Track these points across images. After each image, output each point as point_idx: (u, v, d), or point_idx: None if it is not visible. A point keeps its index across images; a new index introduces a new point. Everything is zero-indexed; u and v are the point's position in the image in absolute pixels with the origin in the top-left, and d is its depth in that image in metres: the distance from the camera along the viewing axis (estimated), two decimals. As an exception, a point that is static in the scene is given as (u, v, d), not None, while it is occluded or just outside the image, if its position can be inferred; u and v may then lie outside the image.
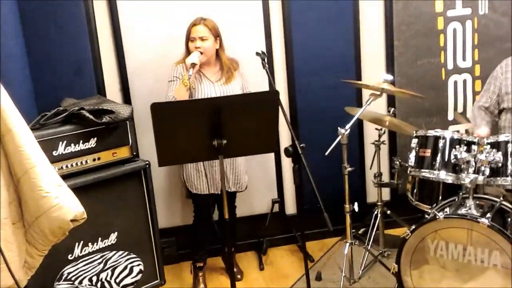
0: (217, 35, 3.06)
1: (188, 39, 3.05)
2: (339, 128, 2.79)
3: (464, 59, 3.76)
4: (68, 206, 1.82)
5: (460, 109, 3.83)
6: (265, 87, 3.44)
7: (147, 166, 3.01)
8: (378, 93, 2.84)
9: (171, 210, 3.63)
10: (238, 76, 3.16)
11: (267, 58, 2.96)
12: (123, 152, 2.94)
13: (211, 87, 3.08)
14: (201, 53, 2.98)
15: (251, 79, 3.33)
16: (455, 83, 3.80)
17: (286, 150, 2.54)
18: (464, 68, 3.77)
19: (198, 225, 3.32)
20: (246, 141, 2.36)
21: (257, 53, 2.86)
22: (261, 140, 2.38)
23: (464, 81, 3.80)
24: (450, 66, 3.76)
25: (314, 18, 3.53)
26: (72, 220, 1.84)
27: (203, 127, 2.25)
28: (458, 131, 3.73)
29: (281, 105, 2.44)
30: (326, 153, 2.73)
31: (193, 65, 2.88)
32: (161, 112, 2.19)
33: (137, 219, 3.04)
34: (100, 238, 2.86)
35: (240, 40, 3.45)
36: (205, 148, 2.28)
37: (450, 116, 3.83)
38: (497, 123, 3.30)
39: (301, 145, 2.52)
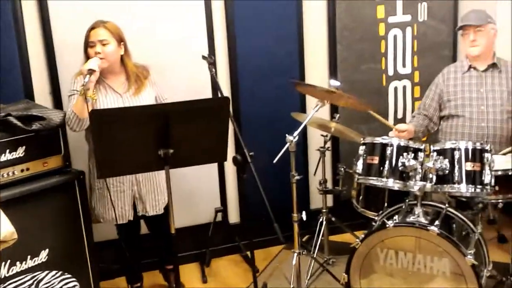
0: (120, 40, 2.76)
1: (87, 44, 2.71)
2: (287, 135, 2.70)
3: (404, 65, 3.81)
4: (-5, 227, 1.61)
5: (400, 115, 3.89)
6: (207, 93, 3.32)
7: (81, 176, 2.80)
8: (326, 102, 2.80)
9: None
10: (150, 85, 2.86)
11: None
12: (54, 162, 2.73)
13: (118, 100, 2.77)
14: (102, 59, 2.66)
15: (191, 84, 3.21)
16: (395, 89, 3.85)
17: (234, 158, 2.43)
18: (404, 74, 3.83)
19: (122, 245, 3.08)
20: (195, 151, 2.23)
21: (204, 57, 2.71)
22: (211, 149, 2.26)
23: (404, 87, 3.86)
24: (390, 72, 3.80)
25: (258, 22, 3.46)
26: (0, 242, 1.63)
27: (148, 135, 2.10)
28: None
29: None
30: (275, 161, 2.63)
31: (91, 71, 2.55)
32: (102, 120, 2.01)
33: (71, 233, 2.81)
34: (29, 256, 2.59)
35: (180, 43, 3.32)
36: (150, 158, 2.12)
37: (391, 122, 3.87)
38: (437, 130, 3.36)
39: (250, 153, 2.41)
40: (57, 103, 3.16)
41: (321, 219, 3.38)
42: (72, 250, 2.81)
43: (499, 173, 2.65)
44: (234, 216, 3.75)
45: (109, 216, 2.86)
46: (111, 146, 2.08)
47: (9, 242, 1.70)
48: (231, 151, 3.37)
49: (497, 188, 2.59)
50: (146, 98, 2.82)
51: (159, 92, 2.91)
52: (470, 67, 3.19)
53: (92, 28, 2.72)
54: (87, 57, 2.72)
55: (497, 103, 3.10)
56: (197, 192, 3.58)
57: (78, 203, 2.81)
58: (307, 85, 3.12)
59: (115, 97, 2.77)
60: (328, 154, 3.61)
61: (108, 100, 2.75)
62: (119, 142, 2.08)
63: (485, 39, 3.07)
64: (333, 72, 3.67)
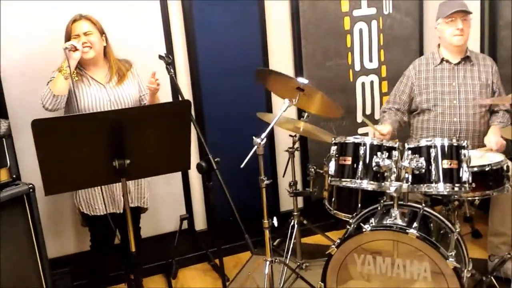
0: (102, 31, 2.74)
1: (69, 38, 2.64)
2: (254, 137, 2.53)
3: (370, 60, 3.70)
4: None
5: (368, 111, 3.77)
6: (167, 95, 3.12)
7: (31, 190, 2.57)
8: (294, 101, 2.63)
9: (62, 236, 3.18)
10: (132, 77, 2.82)
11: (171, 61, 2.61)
12: (0, 176, 2.52)
13: (102, 90, 2.71)
14: (90, 47, 2.64)
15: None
16: (363, 84, 3.72)
17: (198, 165, 2.23)
18: (371, 69, 3.71)
19: (96, 254, 2.90)
20: (154, 160, 2.03)
21: (160, 56, 2.51)
22: (173, 157, 2.06)
23: (371, 83, 3.74)
24: (357, 67, 3.68)
25: (218, 19, 3.27)
26: None
27: (101, 145, 1.89)
28: (367, 133, 3.71)
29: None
30: (242, 165, 2.45)
31: (74, 47, 2.52)
32: (46, 130, 1.77)
33: (22, 252, 2.60)
34: (-24, 281, 2.38)
35: (135, 42, 3.10)
36: (104, 170, 1.91)
37: (359, 119, 3.75)
38: (408, 123, 3.26)
39: (216, 160, 2.23)
40: (1, 109, 2.88)
41: (292, 222, 3.23)
42: (25, 269, 2.61)
43: (475, 169, 2.55)
44: (200, 223, 3.56)
45: (100, 206, 2.74)
46: (58, 158, 1.85)
47: None
48: (195, 157, 3.19)
49: (473, 185, 2.48)
50: (129, 88, 2.77)
51: (142, 84, 2.85)
52: (442, 60, 3.08)
53: (74, 21, 2.66)
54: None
55: (470, 97, 3.01)
56: (160, 199, 3.37)
57: (28, 219, 2.59)
58: (277, 74, 2.87)
59: (98, 87, 2.71)
60: (296, 155, 3.47)
61: (91, 90, 2.69)
62: (67, 154, 1.86)
63: (468, 30, 2.98)
64: (298, 68, 3.51)
